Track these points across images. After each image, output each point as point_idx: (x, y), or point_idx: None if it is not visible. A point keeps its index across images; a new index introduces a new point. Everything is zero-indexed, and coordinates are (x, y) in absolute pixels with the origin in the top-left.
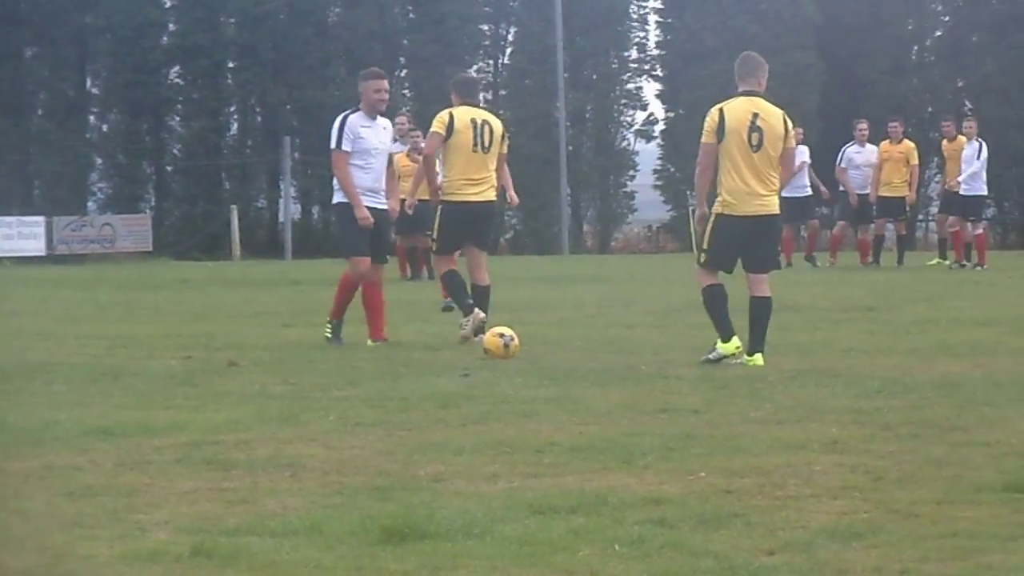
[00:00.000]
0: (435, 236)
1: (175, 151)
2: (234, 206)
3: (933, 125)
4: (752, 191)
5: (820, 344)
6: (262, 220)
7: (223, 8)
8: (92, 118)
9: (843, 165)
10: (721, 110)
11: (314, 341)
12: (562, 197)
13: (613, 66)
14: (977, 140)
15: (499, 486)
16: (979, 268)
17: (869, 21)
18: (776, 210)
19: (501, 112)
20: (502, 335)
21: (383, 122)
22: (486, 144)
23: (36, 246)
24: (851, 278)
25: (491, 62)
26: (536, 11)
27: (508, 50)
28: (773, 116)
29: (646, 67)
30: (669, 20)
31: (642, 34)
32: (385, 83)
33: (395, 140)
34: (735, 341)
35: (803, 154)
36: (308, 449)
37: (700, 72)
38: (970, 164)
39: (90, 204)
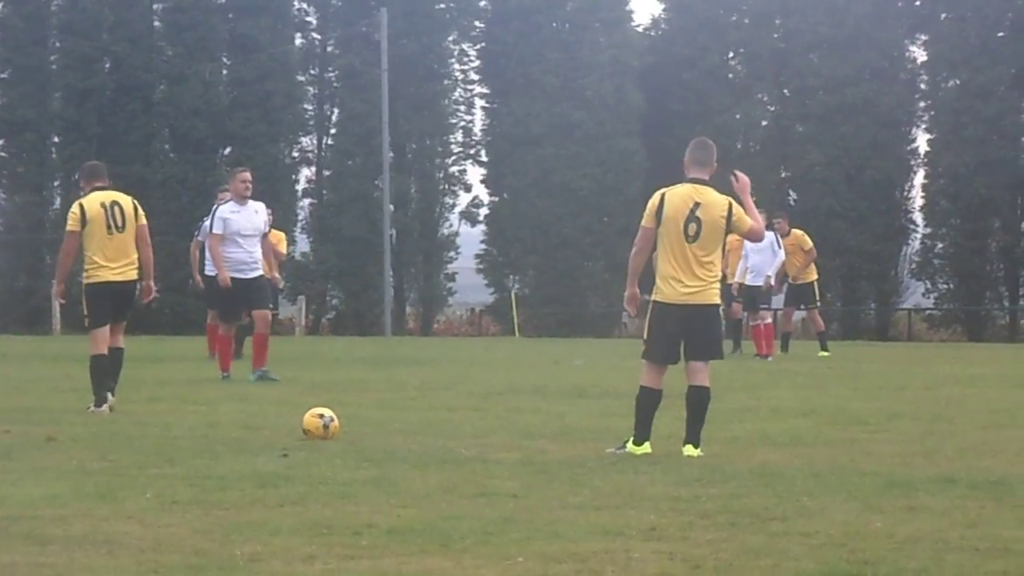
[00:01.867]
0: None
1: None
2: (55, 281)
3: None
4: (681, 281)
5: None
6: (83, 295)
7: (49, 82)
8: None
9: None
10: (663, 195)
11: (133, 418)
12: (385, 278)
13: (438, 149)
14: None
15: (316, 567)
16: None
17: (696, 109)
18: (713, 300)
19: (324, 192)
20: (322, 416)
21: (254, 206)
22: (119, 224)
23: None
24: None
25: (315, 141)
26: (359, 93)
27: (332, 131)
28: (716, 207)
29: (471, 151)
30: (495, 105)
31: (468, 118)
32: (247, 174)
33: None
34: (647, 447)
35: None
36: (125, 526)
37: (525, 157)
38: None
39: None
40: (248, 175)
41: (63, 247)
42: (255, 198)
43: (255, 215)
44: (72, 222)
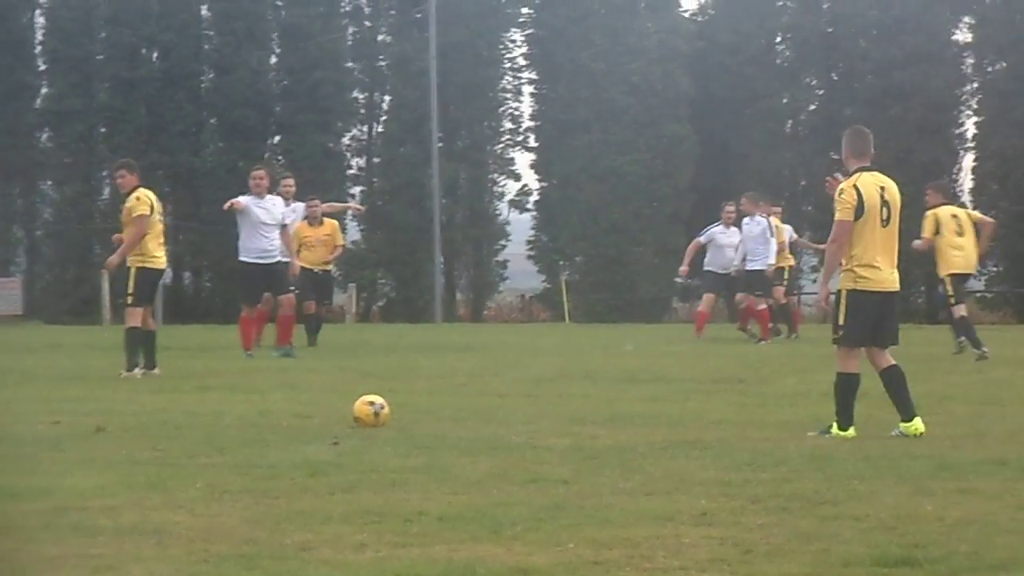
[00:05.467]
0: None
1: (47, 215)
2: (105, 271)
3: (806, 199)
4: (883, 267)
5: (690, 415)
6: None
7: (96, 73)
8: None
9: (703, 240)
10: (856, 187)
11: (182, 407)
12: (435, 265)
13: (487, 135)
14: (763, 216)
15: (367, 555)
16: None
17: (743, 94)
18: (898, 286)
19: (374, 180)
20: (372, 403)
21: (272, 200)
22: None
23: None
24: (722, 350)
25: (365, 129)
26: (410, 80)
27: (382, 118)
28: (895, 189)
29: (519, 138)
30: (543, 91)
31: (516, 105)
32: (261, 172)
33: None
34: (852, 431)
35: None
36: (175, 516)
37: (573, 143)
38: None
39: None
40: (261, 172)
41: (138, 230)
42: (303, 187)
43: (273, 207)
44: (144, 207)
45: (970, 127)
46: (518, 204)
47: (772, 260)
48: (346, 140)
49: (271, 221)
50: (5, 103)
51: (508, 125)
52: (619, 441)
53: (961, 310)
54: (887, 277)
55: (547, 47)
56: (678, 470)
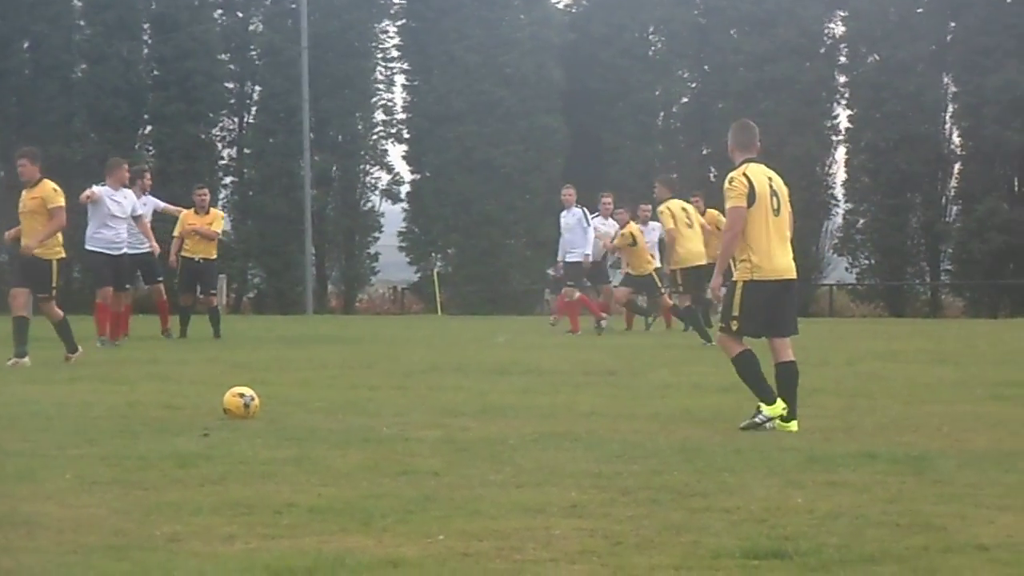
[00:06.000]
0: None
1: None
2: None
3: (682, 192)
4: (778, 256)
5: (561, 407)
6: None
7: None
8: None
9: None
10: (746, 174)
11: (53, 398)
12: (307, 257)
13: (359, 128)
14: (579, 207)
15: (236, 547)
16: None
17: (616, 87)
18: (795, 274)
19: (245, 171)
20: (242, 395)
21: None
22: None
23: None
24: (593, 342)
25: (236, 120)
26: (281, 71)
27: (253, 109)
28: (780, 180)
29: (392, 130)
30: (416, 83)
31: (389, 96)
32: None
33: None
34: (780, 403)
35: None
36: (44, 507)
37: (446, 135)
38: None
39: None
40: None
41: (60, 221)
42: (175, 177)
43: (125, 200)
44: (61, 199)
45: (843, 120)
46: (390, 195)
47: (588, 251)
48: (217, 131)
49: (121, 214)
50: None
51: (381, 116)
52: (490, 433)
53: (687, 300)
54: (784, 264)
55: (420, 38)
56: (549, 462)
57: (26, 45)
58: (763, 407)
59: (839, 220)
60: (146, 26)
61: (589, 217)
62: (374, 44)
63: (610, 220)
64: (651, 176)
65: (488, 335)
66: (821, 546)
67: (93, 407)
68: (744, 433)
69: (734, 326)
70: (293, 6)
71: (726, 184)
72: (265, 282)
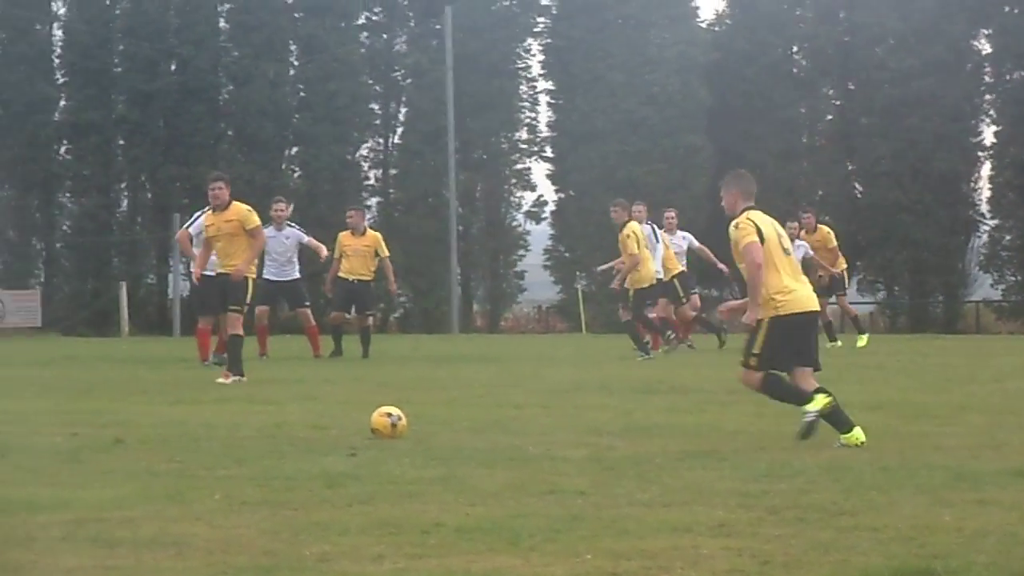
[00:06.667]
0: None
1: (65, 227)
2: (123, 283)
3: (825, 209)
4: (798, 288)
5: (707, 426)
6: (151, 297)
7: (113, 85)
8: None
9: None
10: (750, 218)
11: (200, 419)
12: (452, 276)
13: (503, 147)
14: (649, 224)
15: (385, 567)
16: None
17: (760, 104)
18: (818, 306)
19: (391, 191)
20: (390, 414)
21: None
22: None
23: None
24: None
25: (382, 141)
26: (427, 91)
27: (399, 129)
28: (781, 227)
29: (536, 148)
30: (560, 102)
31: (532, 115)
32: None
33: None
34: (819, 396)
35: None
36: (193, 528)
37: (590, 154)
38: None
39: None
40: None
41: (261, 240)
42: (321, 198)
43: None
44: (258, 219)
45: (988, 136)
46: (534, 215)
47: (658, 267)
48: (363, 151)
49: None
50: (24, 116)
51: (524, 136)
52: (636, 452)
53: (627, 315)
54: (806, 295)
55: (564, 58)
56: (695, 481)
57: (173, 67)
58: (807, 407)
59: (984, 237)
60: (292, 47)
61: (659, 233)
62: (518, 64)
63: (679, 233)
64: (796, 194)
65: (633, 353)
66: (970, 565)
67: (241, 427)
68: (891, 451)
69: (753, 363)
70: (438, 27)
71: (732, 229)
72: (411, 301)
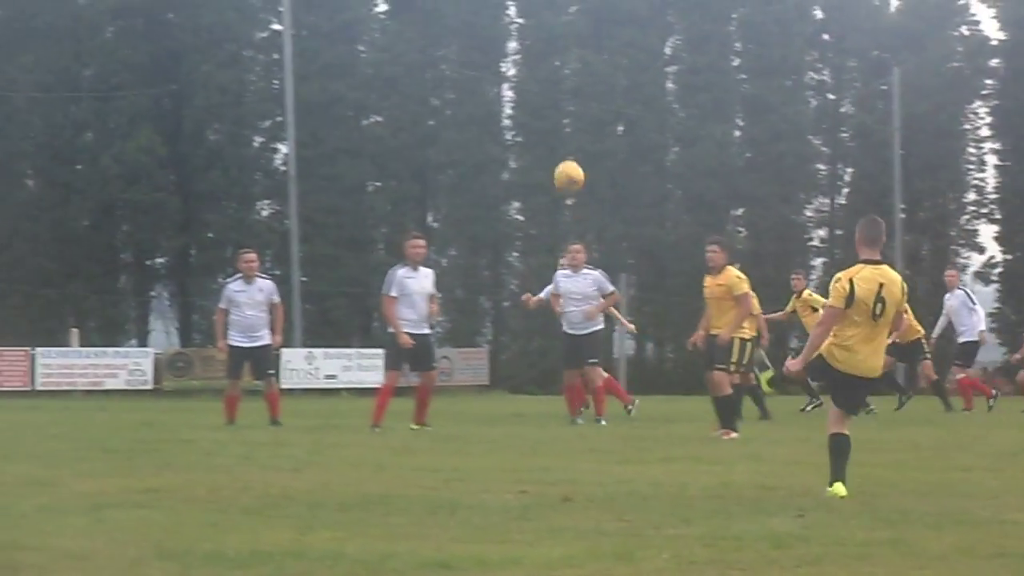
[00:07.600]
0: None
1: (512, 286)
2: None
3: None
4: (860, 353)
5: None
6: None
7: (562, 145)
8: (432, 253)
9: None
10: (851, 280)
11: (647, 478)
12: None
13: (950, 207)
14: (961, 288)
15: None
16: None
17: None
18: (877, 373)
19: (836, 252)
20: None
21: (424, 271)
22: None
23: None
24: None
25: (827, 201)
26: (872, 152)
27: (844, 190)
28: (895, 284)
29: (983, 210)
30: (1007, 163)
31: (980, 176)
32: (422, 241)
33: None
34: (839, 485)
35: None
36: None
37: None
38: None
39: None
40: (422, 242)
41: (747, 307)
42: (766, 259)
43: (426, 279)
44: (747, 285)
45: None
46: (982, 276)
47: (982, 327)
48: (808, 212)
49: (422, 293)
50: (474, 176)
51: (972, 196)
52: None
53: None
54: (861, 362)
55: (1012, 119)
56: None
57: (620, 129)
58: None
59: None
60: (738, 108)
61: (974, 297)
62: (966, 125)
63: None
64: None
65: None
66: None
67: (688, 486)
68: None
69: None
70: (884, 87)
71: (832, 281)
72: None
